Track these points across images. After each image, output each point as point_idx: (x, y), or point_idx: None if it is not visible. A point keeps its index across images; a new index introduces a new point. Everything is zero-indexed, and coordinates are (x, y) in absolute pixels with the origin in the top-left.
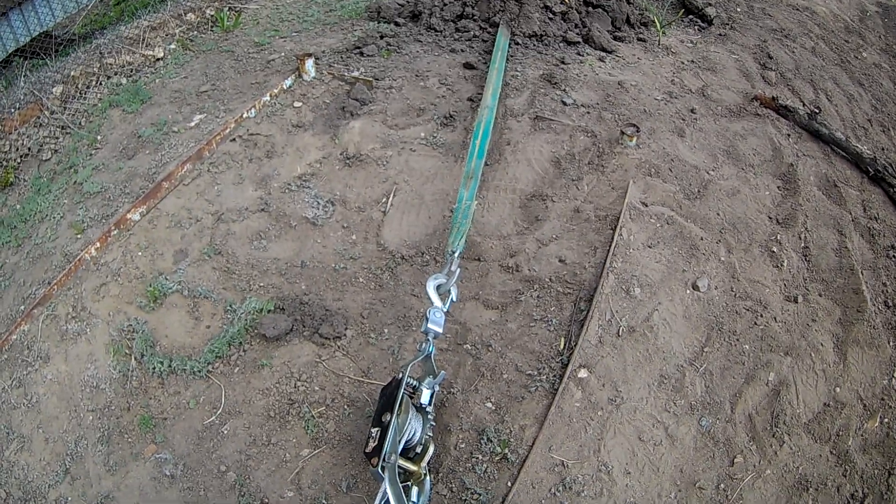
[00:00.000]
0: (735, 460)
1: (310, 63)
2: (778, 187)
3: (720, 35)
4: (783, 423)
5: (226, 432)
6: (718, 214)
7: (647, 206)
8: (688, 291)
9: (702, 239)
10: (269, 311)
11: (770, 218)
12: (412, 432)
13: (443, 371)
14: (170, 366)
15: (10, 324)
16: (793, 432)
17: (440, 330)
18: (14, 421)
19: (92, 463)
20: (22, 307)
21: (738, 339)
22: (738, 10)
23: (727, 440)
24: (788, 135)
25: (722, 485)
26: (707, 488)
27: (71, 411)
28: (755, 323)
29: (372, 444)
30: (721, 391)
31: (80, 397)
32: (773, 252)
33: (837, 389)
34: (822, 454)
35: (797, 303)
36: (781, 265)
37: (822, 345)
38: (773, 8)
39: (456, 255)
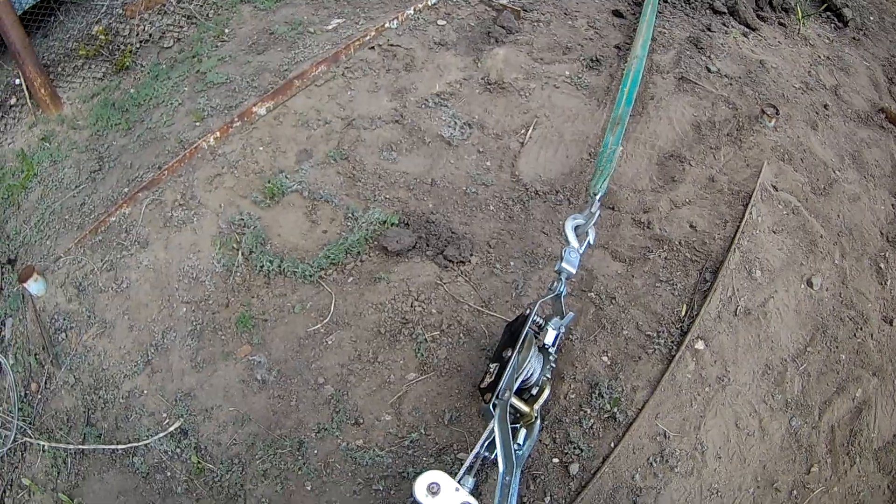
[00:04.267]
0: (811, 469)
1: None
2: (892, 205)
3: (854, 38)
4: (858, 444)
5: (330, 343)
6: (839, 216)
7: (777, 190)
8: (802, 286)
9: (821, 237)
10: (393, 225)
11: (882, 233)
12: (530, 372)
13: (571, 312)
14: (279, 266)
15: (109, 205)
16: (863, 455)
17: (574, 271)
18: (98, 304)
19: (177, 357)
20: (126, 189)
21: (837, 347)
22: (871, 18)
23: (810, 446)
24: None
25: (795, 491)
26: (782, 491)
27: (163, 300)
28: (855, 335)
29: (488, 380)
30: (814, 395)
31: (176, 287)
32: (881, 268)
33: None
34: (881, 486)
35: (892, 325)
36: (885, 283)
37: None
38: None
39: (597, 197)
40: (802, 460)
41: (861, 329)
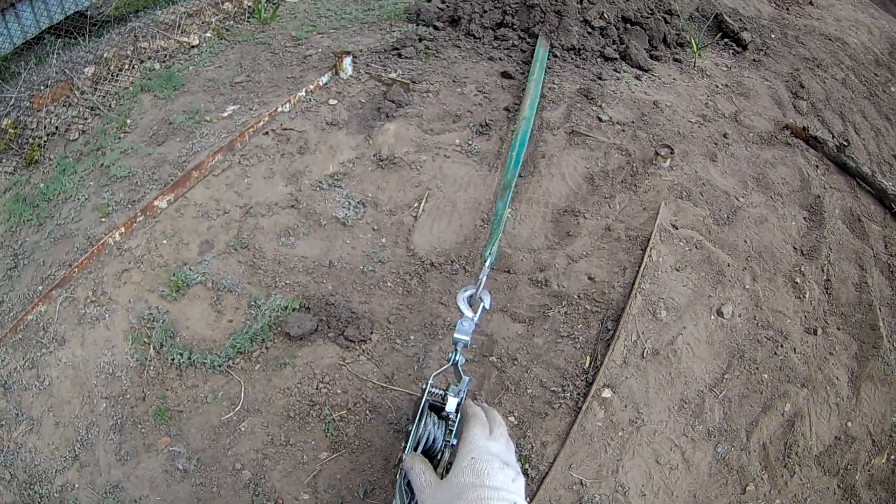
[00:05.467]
0: (747, 488)
1: (347, 61)
2: (804, 218)
3: (754, 61)
4: (795, 455)
5: (243, 430)
6: (746, 242)
7: (677, 228)
8: (712, 317)
9: (728, 265)
10: (294, 310)
11: (795, 248)
12: (430, 439)
13: (467, 377)
14: (189, 358)
15: (26, 303)
16: (804, 464)
17: (468, 339)
18: (24, 402)
19: (102, 451)
20: (40, 287)
21: (757, 368)
22: (773, 36)
23: (741, 468)
24: (817, 166)
25: None
26: None
27: (84, 397)
28: (775, 353)
29: (400, 455)
30: (738, 419)
31: (95, 383)
32: (797, 283)
33: (849, 424)
34: (830, 487)
35: (816, 335)
36: (803, 296)
37: (837, 378)
38: (806, 36)
39: (486, 263)
40: (735, 482)
41: (782, 346)
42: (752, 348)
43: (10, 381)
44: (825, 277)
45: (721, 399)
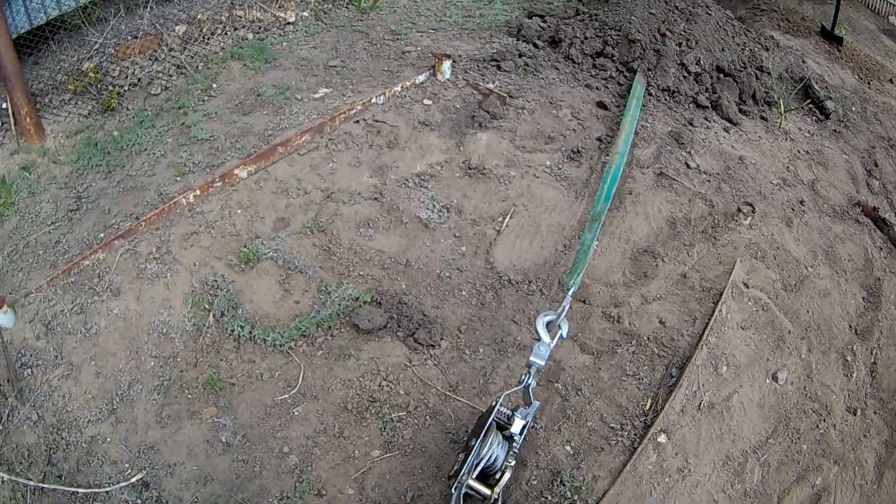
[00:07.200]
0: None
1: (447, 64)
2: (863, 298)
3: (835, 131)
4: None
5: (296, 414)
6: (808, 312)
7: (748, 287)
8: (767, 381)
9: (789, 332)
10: (365, 302)
11: (850, 326)
12: (492, 458)
13: (537, 402)
14: (250, 332)
15: (84, 248)
16: None
17: (542, 364)
18: (66, 346)
19: (142, 409)
20: (102, 235)
21: (799, 438)
22: (854, 108)
23: None
24: (881, 248)
25: None
26: None
27: (132, 352)
28: (817, 426)
29: (455, 468)
30: (773, 484)
31: (146, 340)
32: (847, 361)
33: None
34: None
35: (856, 415)
36: (851, 375)
37: (866, 461)
38: (884, 114)
39: (570, 293)
40: None
41: (824, 420)
42: (798, 418)
43: (53, 323)
44: (872, 360)
45: (762, 462)
